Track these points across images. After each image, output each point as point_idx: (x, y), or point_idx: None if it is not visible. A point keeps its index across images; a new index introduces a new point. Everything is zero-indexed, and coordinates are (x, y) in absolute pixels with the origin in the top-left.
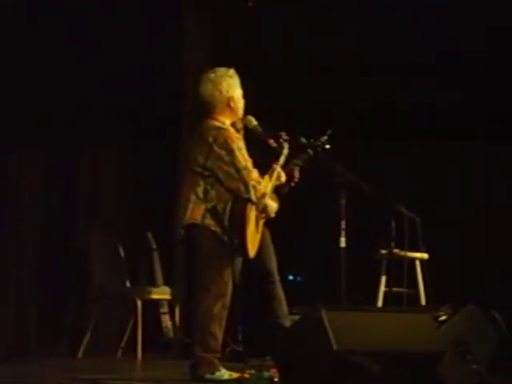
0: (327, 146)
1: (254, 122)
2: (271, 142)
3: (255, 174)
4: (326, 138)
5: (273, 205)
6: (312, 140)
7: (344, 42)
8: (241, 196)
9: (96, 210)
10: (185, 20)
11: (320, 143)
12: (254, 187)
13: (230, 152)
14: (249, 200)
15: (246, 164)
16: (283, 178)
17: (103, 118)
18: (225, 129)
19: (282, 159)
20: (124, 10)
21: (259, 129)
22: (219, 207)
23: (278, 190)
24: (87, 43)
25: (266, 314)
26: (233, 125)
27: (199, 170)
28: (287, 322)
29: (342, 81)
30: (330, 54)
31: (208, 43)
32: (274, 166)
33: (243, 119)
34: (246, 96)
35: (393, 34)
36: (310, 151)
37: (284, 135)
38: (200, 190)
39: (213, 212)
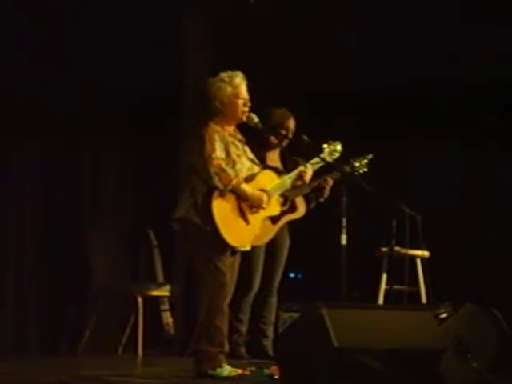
0: (365, 170)
1: (255, 119)
2: (272, 139)
3: (219, 161)
4: (365, 161)
5: (257, 194)
6: (351, 160)
7: (344, 41)
8: (209, 184)
9: (97, 207)
10: (185, 20)
11: (358, 165)
12: (217, 174)
13: (202, 143)
14: (215, 188)
15: (211, 152)
16: (307, 178)
17: (103, 117)
18: (208, 125)
19: (313, 161)
20: (124, 10)
21: (261, 126)
22: (199, 199)
23: (307, 203)
24: (87, 43)
25: (254, 317)
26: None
27: (188, 167)
28: (271, 329)
29: (343, 79)
30: (331, 54)
31: (208, 43)
32: (301, 164)
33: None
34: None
35: (392, 35)
36: (338, 173)
37: (335, 143)
38: (189, 186)
39: (195, 205)
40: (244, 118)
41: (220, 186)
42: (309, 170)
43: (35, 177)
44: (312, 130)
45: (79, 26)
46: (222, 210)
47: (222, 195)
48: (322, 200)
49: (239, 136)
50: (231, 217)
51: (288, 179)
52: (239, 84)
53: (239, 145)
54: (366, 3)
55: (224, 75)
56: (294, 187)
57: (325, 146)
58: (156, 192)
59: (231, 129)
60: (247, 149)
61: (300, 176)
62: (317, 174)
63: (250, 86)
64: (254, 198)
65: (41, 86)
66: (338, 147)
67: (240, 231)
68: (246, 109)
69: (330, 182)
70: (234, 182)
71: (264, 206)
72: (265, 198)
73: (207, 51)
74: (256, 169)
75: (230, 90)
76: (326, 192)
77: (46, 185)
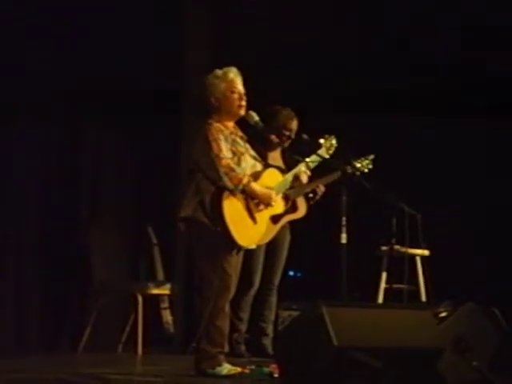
0: (365, 170)
1: (255, 117)
2: (273, 137)
3: (227, 161)
4: (367, 162)
5: (266, 193)
6: (353, 160)
7: (344, 40)
8: (218, 184)
9: (97, 205)
10: (185, 20)
11: (359, 166)
12: (227, 174)
13: (208, 143)
14: (225, 187)
15: (218, 152)
16: (304, 178)
17: (104, 116)
18: (210, 123)
19: (312, 158)
20: (124, 10)
21: (261, 125)
22: (206, 199)
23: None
24: (88, 42)
25: (254, 315)
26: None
27: (192, 166)
28: (271, 328)
29: (342, 80)
30: (330, 54)
31: (208, 43)
32: (299, 162)
33: (245, 115)
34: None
35: (391, 31)
36: (339, 173)
37: (330, 138)
38: (193, 185)
39: (202, 204)
40: (242, 113)
41: (230, 185)
42: (307, 169)
43: (35, 175)
44: (312, 129)
45: (79, 25)
46: (232, 209)
47: (231, 195)
48: (311, 203)
49: (240, 133)
50: (240, 216)
51: (289, 177)
52: (233, 78)
53: (241, 142)
54: (365, 2)
55: (218, 71)
56: (292, 186)
57: (322, 141)
58: (156, 190)
59: (231, 125)
60: (248, 146)
61: (296, 177)
62: (319, 172)
63: (247, 82)
64: (263, 196)
65: (41, 86)
66: (333, 142)
67: (248, 230)
68: (243, 103)
69: (322, 189)
70: (245, 180)
71: (273, 203)
72: (273, 195)
73: (207, 51)
74: (258, 166)
75: (223, 85)
76: (316, 198)
77: (46, 183)
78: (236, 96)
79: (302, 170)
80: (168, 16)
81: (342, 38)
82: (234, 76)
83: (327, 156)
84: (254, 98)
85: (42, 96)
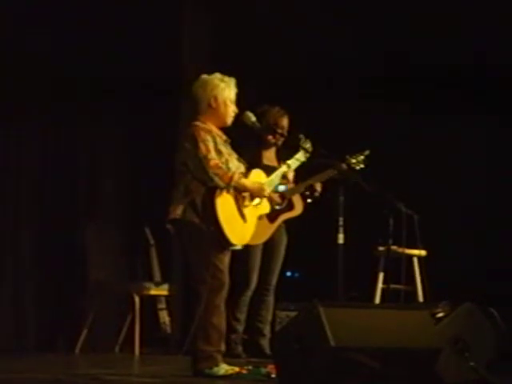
0: (361, 166)
1: (252, 118)
2: (270, 138)
3: (216, 161)
4: (361, 158)
5: (258, 185)
6: (348, 157)
7: (344, 41)
8: (209, 185)
9: (94, 205)
10: (185, 20)
11: (354, 162)
12: (216, 174)
13: (195, 144)
14: (217, 187)
15: (206, 153)
16: (290, 177)
17: (103, 117)
18: (196, 125)
19: (292, 161)
20: (124, 9)
21: (258, 125)
22: (197, 200)
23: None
24: (87, 41)
25: (251, 316)
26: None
27: (180, 167)
28: (268, 328)
29: (342, 77)
30: (330, 54)
31: (208, 43)
32: (281, 164)
33: (242, 116)
34: (245, 96)
35: (391, 31)
36: (334, 170)
37: (305, 141)
38: (182, 187)
39: (192, 205)
40: (229, 123)
41: (222, 184)
42: (290, 169)
43: (33, 175)
44: (311, 127)
45: (79, 24)
46: (225, 209)
47: (222, 194)
48: (309, 201)
49: (224, 136)
50: (232, 215)
51: (275, 177)
52: (233, 88)
53: (226, 144)
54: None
55: (222, 76)
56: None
57: (303, 141)
58: (153, 191)
59: (215, 128)
60: (231, 149)
61: (284, 176)
62: (315, 170)
63: (247, 82)
64: (256, 189)
65: (41, 82)
66: (308, 145)
67: (240, 229)
68: (234, 114)
69: (319, 187)
70: (236, 177)
71: (266, 194)
72: (265, 187)
73: (207, 51)
74: (242, 168)
75: (227, 91)
76: (315, 195)
77: (44, 183)
78: (232, 107)
79: (286, 170)
80: (168, 16)
81: (342, 37)
82: (234, 87)
83: (304, 159)
84: (254, 98)
85: (40, 93)
